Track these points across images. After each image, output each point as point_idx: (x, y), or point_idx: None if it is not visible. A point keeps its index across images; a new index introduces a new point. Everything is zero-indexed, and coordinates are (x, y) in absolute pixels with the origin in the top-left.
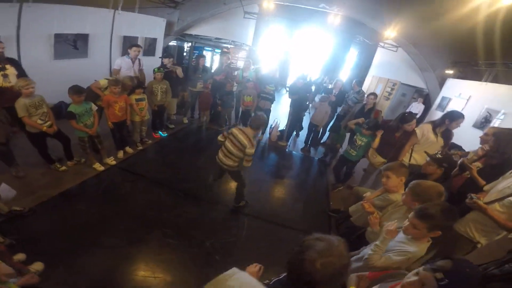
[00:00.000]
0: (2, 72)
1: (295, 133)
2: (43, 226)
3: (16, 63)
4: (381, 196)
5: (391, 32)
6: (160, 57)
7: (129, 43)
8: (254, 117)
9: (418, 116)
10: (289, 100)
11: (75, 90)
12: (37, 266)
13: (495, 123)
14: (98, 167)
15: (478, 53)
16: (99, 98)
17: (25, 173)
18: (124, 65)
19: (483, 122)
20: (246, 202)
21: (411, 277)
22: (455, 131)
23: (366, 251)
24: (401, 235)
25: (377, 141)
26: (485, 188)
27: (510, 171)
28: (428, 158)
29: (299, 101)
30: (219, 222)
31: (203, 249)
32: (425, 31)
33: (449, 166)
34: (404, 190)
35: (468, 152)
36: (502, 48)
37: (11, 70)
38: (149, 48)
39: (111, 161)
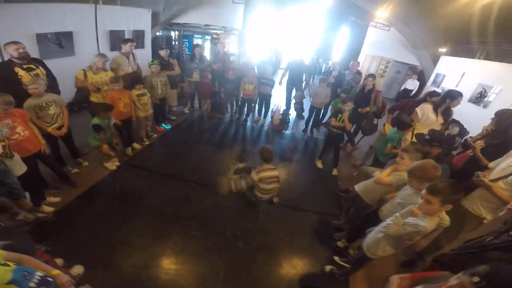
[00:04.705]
0: (33, 72)
1: (296, 115)
2: (69, 230)
3: (42, 63)
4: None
5: (383, 12)
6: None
7: (116, 37)
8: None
9: (413, 92)
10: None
11: (105, 108)
12: (78, 269)
13: (490, 97)
14: (110, 166)
15: (471, 32)
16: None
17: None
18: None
19: (478, 97)
20: None
21: (453, 281)
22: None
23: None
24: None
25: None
26: (490, 165)
27: None
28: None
29: (293, 77)
30: (236, 209)
31: (225, 238)
32: (417, 10)
33: (440, 142)
34: None
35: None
36: (494, 27)
37: (40, 70)
38: (138, 40)
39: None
